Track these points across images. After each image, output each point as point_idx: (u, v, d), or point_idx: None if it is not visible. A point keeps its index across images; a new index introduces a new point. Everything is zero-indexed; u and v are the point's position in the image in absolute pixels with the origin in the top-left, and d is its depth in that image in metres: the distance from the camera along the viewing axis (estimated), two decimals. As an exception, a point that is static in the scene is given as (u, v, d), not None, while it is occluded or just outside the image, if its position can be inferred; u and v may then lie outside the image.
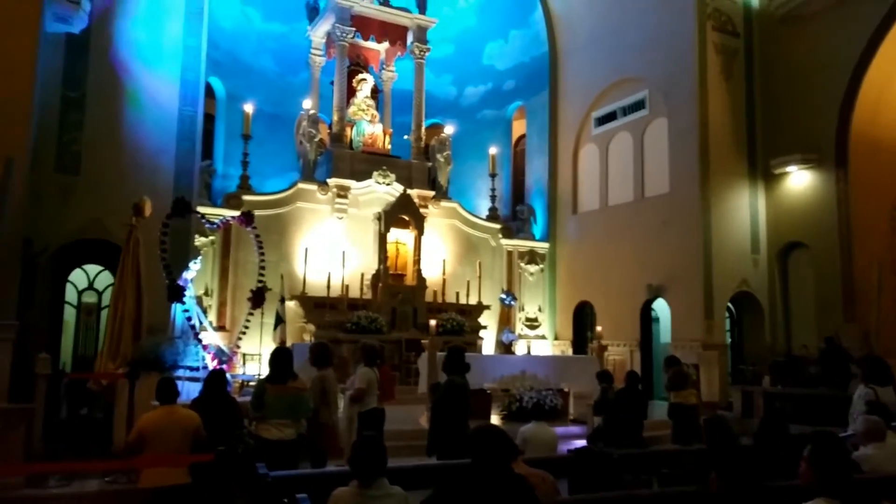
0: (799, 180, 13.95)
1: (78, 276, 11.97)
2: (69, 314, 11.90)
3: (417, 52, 16.96)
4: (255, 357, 13.23)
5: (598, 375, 9.79)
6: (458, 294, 15.75)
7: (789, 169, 13.99)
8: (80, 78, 11.59)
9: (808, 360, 12.60)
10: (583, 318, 17.15)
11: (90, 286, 12.04)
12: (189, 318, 8.34)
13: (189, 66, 12.56)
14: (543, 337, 17.66)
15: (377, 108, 17.35)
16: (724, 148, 14.19)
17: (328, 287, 14.44)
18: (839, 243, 13.09)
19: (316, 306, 14.44)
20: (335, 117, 16.31)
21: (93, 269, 12.01)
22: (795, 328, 14.08)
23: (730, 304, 14.45)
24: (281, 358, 6.12)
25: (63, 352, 11.45)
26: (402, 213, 15.52)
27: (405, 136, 17.23)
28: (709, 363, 13.05)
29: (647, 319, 15.29)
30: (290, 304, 14.23)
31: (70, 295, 11.89)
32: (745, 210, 14.37)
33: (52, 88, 11.19)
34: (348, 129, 16.49)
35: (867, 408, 5.95)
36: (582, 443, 8.29)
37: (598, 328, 13.62)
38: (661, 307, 15.25)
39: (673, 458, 5.57)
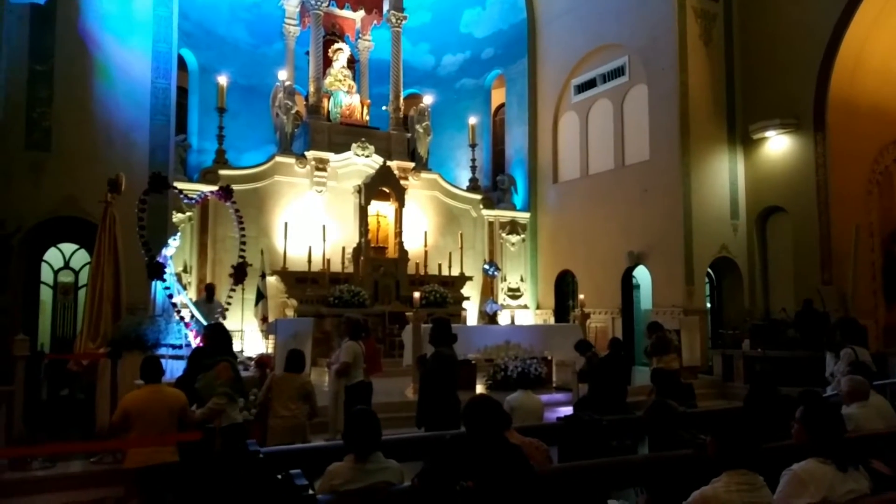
0: (778, 145, 14.03)
1: (53, 256, 11.72)
2: (46, 294, 11.68)
3: (394, 20, 16.66)
4: (236, 333, 13.12)
5: (577, 346, 9.85)
6: (440, 266, 15.73)
7: (768, 134, 14.05)
8: (48, 51, 11.21)
9: (787, 323, 12.81)
10: (564, 287, 17.27)
11: (66, 265, 11.81)
12: (170, 296, 8.21)
13: (161, 38, 12.19)
14: (526, 306, 17.75)
15: (354, 79, 17.05)
16: (704, 114, 14.20)
17: (309, 261, 14.32)
18: (817, 207, 13.21)
19: (297, 281, 14.33)
20: (311, 88, 16.03)
21: (68, 247, 11.76)
22: (774, 292, 14.28)
23: (709, 270, 14.59)
24: (227, 333, 6.05)
25: (41, 333, 11.26)
26: (382, 186, 15.38)
27: (383, 107, 16.99)
28: (689, 328, 13.20)
29: (628, 287, 15.41)
30: (271, 280, 14.12)
31: (46, 275, 11.66)
32: (724, 176, 14.44)
33: (18, 62, 10.86)
34: (325, 101, 16.22)
35: (849, 368, 6.05)
36: (567, 410, 8.36)
37: (581, 296, 13.69)
38: (641, 274, 15.36)
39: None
